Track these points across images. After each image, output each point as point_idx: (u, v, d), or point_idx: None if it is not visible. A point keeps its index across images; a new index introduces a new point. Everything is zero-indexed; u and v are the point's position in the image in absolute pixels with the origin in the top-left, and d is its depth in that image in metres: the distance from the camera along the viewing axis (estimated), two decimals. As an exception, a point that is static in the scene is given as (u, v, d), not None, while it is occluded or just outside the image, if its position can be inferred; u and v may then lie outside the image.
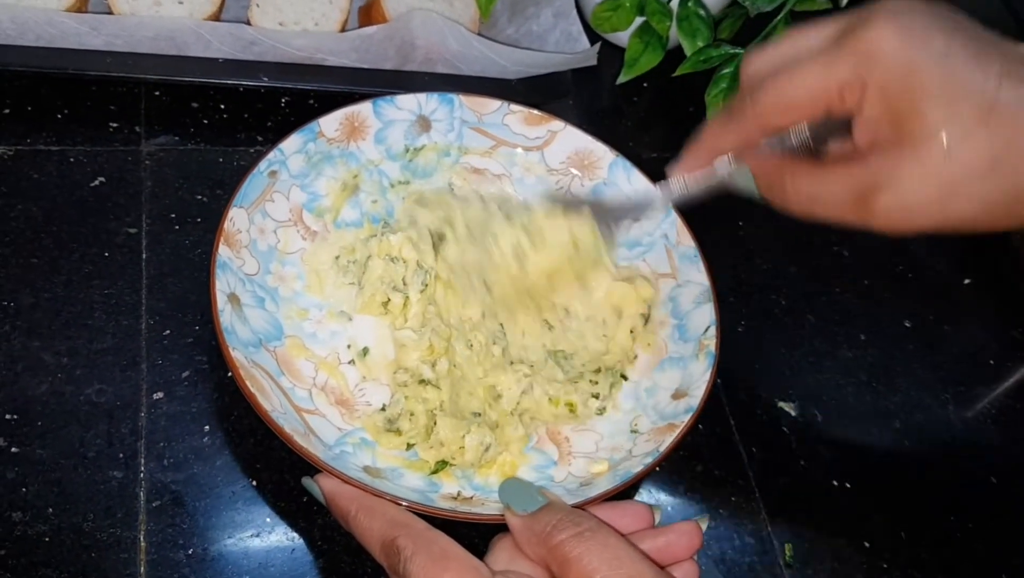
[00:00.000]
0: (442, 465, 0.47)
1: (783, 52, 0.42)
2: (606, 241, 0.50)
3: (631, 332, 0.54)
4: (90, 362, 0.49)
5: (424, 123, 0.57)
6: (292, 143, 0.53)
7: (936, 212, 0.38)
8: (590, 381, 0.52)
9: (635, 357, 0.54)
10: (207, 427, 0.48)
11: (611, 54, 0.70)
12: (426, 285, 0.51)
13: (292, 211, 0.53)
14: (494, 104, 0.58)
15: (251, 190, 0.51)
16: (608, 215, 0.50)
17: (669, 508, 0.51)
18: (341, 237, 0.54)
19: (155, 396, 0.49)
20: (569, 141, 0.58)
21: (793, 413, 0.57)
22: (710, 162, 0.45)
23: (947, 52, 0.37)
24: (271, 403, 0.44)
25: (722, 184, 0.45)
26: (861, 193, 0.39)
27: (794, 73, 0.40)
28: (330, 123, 0.54)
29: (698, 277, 0.53)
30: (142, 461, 0.46)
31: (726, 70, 0.65)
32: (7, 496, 0.44)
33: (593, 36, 0.68)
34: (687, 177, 0.46)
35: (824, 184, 0.41)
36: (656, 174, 0.57)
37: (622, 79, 0.68)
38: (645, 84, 0.71)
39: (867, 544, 0.52)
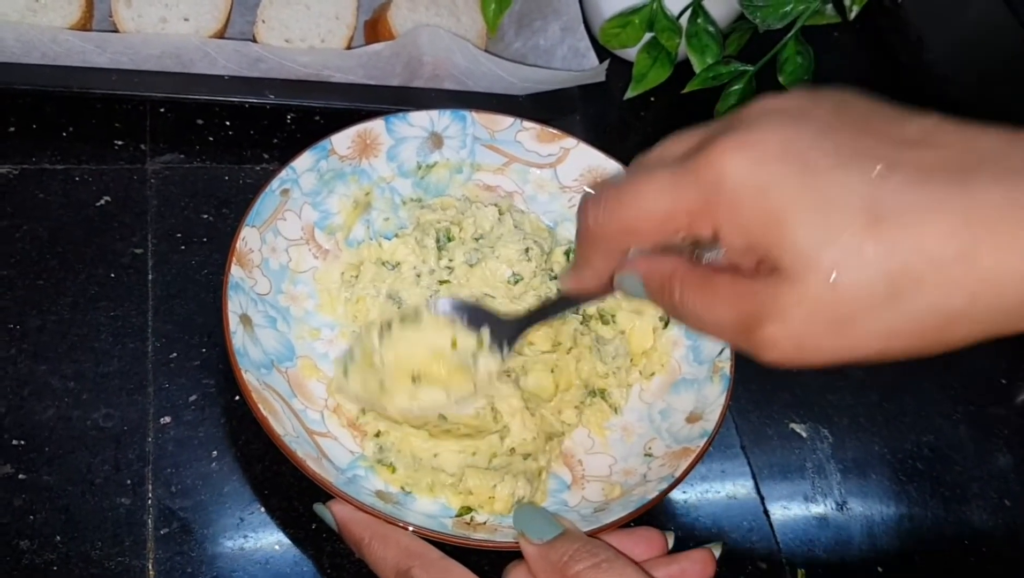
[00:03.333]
0: (467, 510, 0.46)
1: (651, 157, 0.37)
2: (493, 355, 0.46)
3: (653, 331, 0.53)
4: (97, 386, 0.48)
5: (436, 140, 0.57)
6: (304, 161, 0.52)
7: (830, 346, 0.32)
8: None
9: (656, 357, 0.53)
10: (215, 452, 0.48)
11: (619, 68, 0.69)
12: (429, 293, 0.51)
13: (304, 229, 0.53)
14: (507, 121, 0.57)
15: (263, 209, 0.50)
16: (505, 332, 0.46)
17: (679, 532, 0.51)
18: (353, 255, 0.54)
19: (162, 420, 0.48)
20: (582, 158, 0.58)
21: (804, 434, 0.56)
22: (597, 286, 0.40)
23: (813, 160, 0.31)
24: (283, 427, 0.43)
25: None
26: (744, 323, 0.33)
27: (639, 188, 0.35)
28: (342, 140, 0.54)
29: None
30: (150, 487, 0.46)
31: (736, 86, 0.65)
32: (14, 524, 0.43)
33: (600, 50, 0.68)
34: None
35: (709, 306, 0.35)
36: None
37: (630, 94, 0.68)
38: (653, 99, 0.71)
39: (880, 569, 0.52)
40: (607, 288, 0.40)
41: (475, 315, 0.46)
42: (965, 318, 0.31)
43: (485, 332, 0.46)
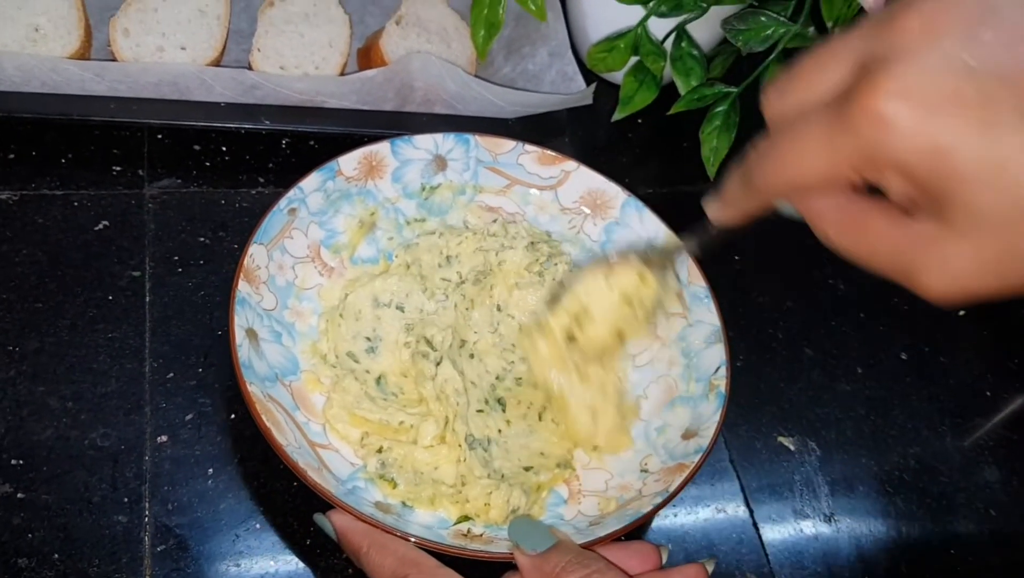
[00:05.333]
0: (464, 518, 0.47)
1: (803, 91, 0.35)
2: (663, 285, 0.48)
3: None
4: (95, 406, 0.49)
5: (440, 162, 0.58)
6: (312, 181, 0.54)
7: (992, 288, 0.32)
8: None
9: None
10: (211, 470, 0.48)
11: (606, 91, 0.71)
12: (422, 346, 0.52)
13: (310, 248, 0.54)
14: (509, 144, 0.59)
15: (271, 227, 0.51)
16: (660, 257, 0.49)
17: (671, 545, 0.51)
18: (358, 273, 0.55)
19: (159, 440, 0.49)
20: (582, 181, 0.59)
21: (792, 447, 0.57)
22: (740, 217, 0.40)
23: (984, 117, 0.29)
24: (285, 438, 0.44)
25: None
26: (904, 268, 0.33)
27: (796, 147, 0.34)
28: (349, 162, 0.55)
29: (709, 317, 0.53)
30: (147, 505, 0.47)
31: (720, 108, 0.66)
32: (13, 542, 0.44)
33: (588, 74, 0.69)
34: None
35: (864, 244, 0.35)
36: (656, 210, 0.58)
37: (617, 116, 0.69)
38: (640, 120, 0.72)
39: (869, 578, 0.53)
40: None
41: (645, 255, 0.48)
42: None
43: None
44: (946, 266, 0.32)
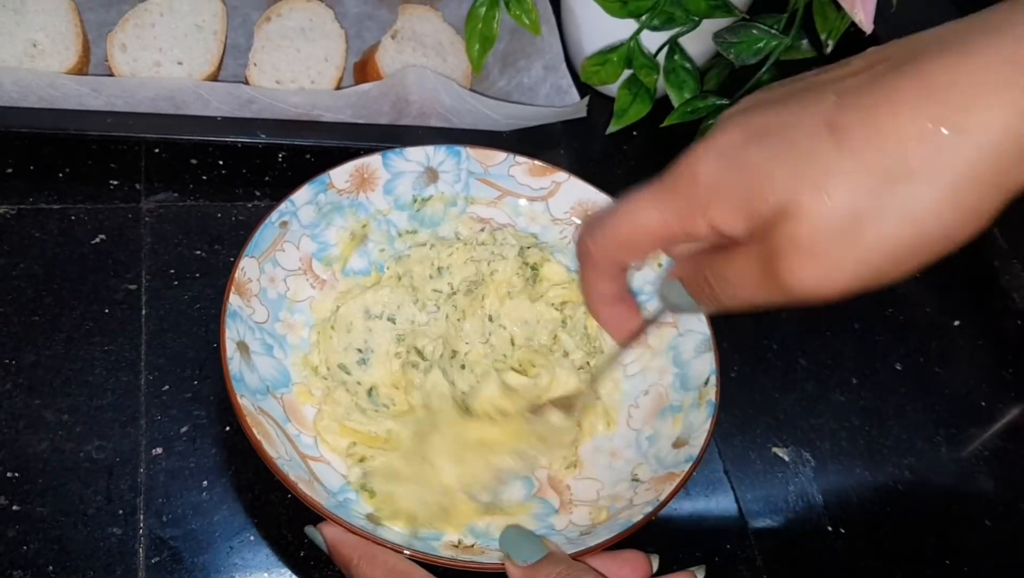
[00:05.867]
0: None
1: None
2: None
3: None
4: (90, 419, 0.49)
5: (432, 174, 0.58)
6: (303, 194, 0.54)
7: (851, 263, 0.32)
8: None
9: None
10: (205, 482, 0.49)
11: (601, 104, 0.71)
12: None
13: (302, 260, 0.54)
14: (500, 156, 0.59)
15: (262, 240, 0.52)
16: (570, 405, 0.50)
17: (664, 556, 0.51)
18: (349, 285, 0.56)
19: (154, 452, 0.49)
20: (573, 192, 0.59)
21: (787, 458, 0.57)
22: (629, 317, 0.44)
23: (765, 124, 0.33)
24: (276, 451, 0.44)
25: (665, 309, 0.43)
26: (766, 268, 0.34)
27: (627, 208, 0.38)
28: (340, 175, 0.56)
29: (699, 326, 0.54)
30: (141, 517, 0.47)
31: (713, 120, 0.66)
32: (8, 554, 0.44)
33: (582, 87, 0.70)
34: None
35: (734, 273, 0.36)
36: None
37: (612, 129, 0.70)
38: (635, 133, 0.72)
39: (863, 589, 0.53)
40: (642, 324, 0.44)
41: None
42: (963, 192, 0.30)
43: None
44: (797, 247, 0.32)
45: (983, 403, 0.64)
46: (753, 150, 0.33)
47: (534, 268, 0.57)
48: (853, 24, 0.63)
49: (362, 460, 0.49)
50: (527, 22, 0.69)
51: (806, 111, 0.32)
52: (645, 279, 0.57)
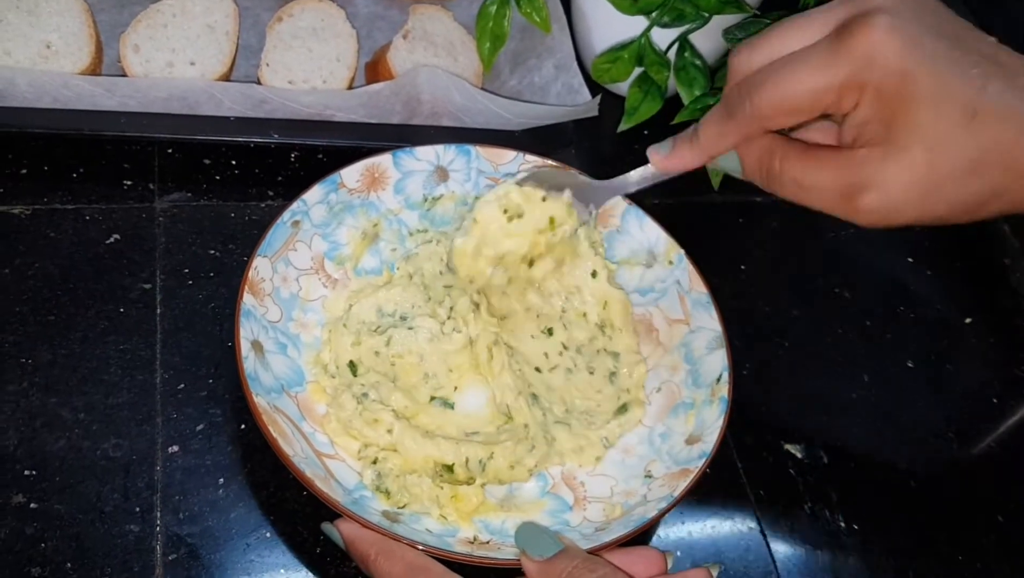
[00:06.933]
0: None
1: (777, 47, 0.42)
2: (583, 220, 0.51)
3: (593, 275, 0.55)
4: (106, 417, 0.50)
5: (442, 173, 0.59)
6: (314, 194, 0.54)
7: (915, 211, 0.40)
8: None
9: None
10: (221, 479, 0.49)
11: (612, 103, 0.71)
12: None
13: (314, 260, 0.54)
14: (510, 155, 0.59)
15: (275, 240, 0.52)
16: (589, 196, 0.51)
17: (679, 552, 0.52)
18: (361, 284, 0.56)
19: (170, 450, 0.49)
20: None
21: (799, 455, 0.57)
22: (706, 161, 0.45)
23: (935, 56, 0.38)
24: (292, 448, 0.45)
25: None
26: (848, 190, 0.40)
27: (793, 73, 0.40)
28: (351, 174, 0.56)
29: (711, 323, 0.54)
30: (158, 514, 0.47)
31: (724, 118, 0.66)
32: (27, 551, 0.44)
33: (593, 86, 0.70)
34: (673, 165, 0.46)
35: (813, 174, 0.41)
36: (662, 221, 0.58)
37: (623, 127, 0.70)
38: (646, 132, 0.72)
39: (877, 586, 0.53)
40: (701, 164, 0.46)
41: (556, 179, 0.51)
42: (1002, 196, 0.40)
43: (567, 193, 0.50)
44: (883, 181, 0.39)
45: (995, 400, 0.64)
46: (924, 74, 0.38)
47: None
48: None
49: (375, 462, 0.49)
50: (537, 20, 0.69)
51: (960, 78, 0.38)
52: (657, 277, 0.57)
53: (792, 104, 0.40)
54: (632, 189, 0.50)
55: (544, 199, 0.50)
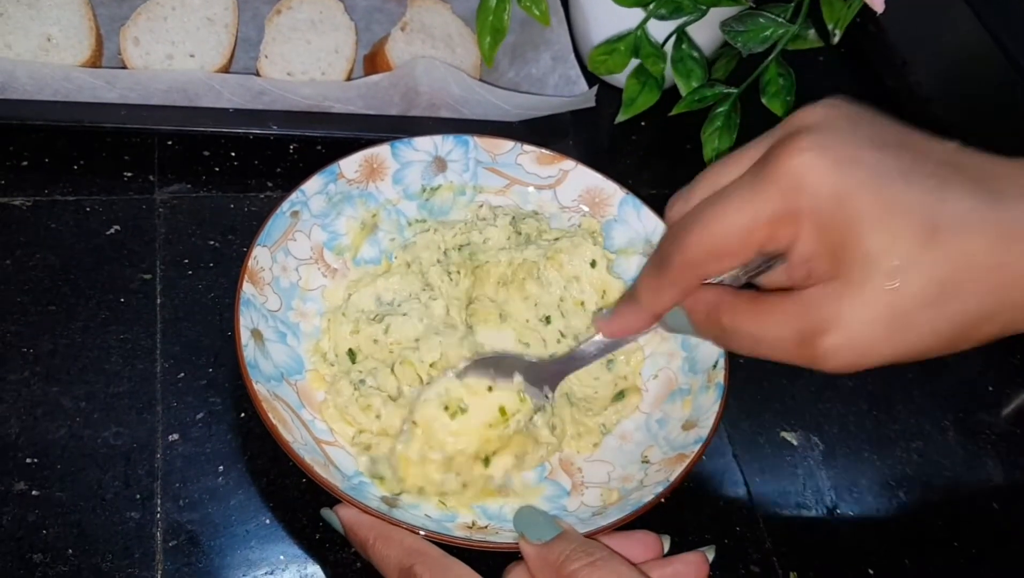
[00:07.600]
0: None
1: (709, 189, 0.38)
2: (539, 406, 0.48)
3: (592, 264, 0.56)
4: (107, 406, 0.50)
5: (440, 164, 0.59)
6: (313, 184, 0.55)
7: (886, 348, 0.35)
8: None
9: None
10: (221, 467, 0.49)
11: (609, 94, 0.71)
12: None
13: (313, 249, 0.55)
14: (507, 145, 0.59)
15: (274, 230, 0.52)
16: (543, 378, 0.49)
17: (675, 537, 0.52)
18: (360, 274, 0.56)
19: (170, 438, 0.50)
20: (580, 179, 0.60)
21: (795, 442, 0.58)
22: (652, 322, 0.43)
23: (878, 170, 0.34)
24: (292, 435, 0.45)
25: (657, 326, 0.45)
26: (804, 335, 0.35)
27: (717, 213, 0.36)
28: (350, 165, 0.56)
29: None
30: (158, 502, 0.47)
31: (721, 108, 0.67)
32: (28, 538, 0.45)
33: (591, 78, 0.70)
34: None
35: (764, 325, 0.37)
36: (658, 210, 0.58)
37: (620, 118, 0.70)
38: (643, 123, 0.73)
39: (871, 571, 0.53)
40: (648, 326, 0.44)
41: (503, 365, 0.48)
42: (993, 318, 0.35)
43: (518, 379, 0.48)
44: (841, 320, 0.34)
45: (991, 388, 0.64)
46: (863, 192, 0.34)
47: (528, 236, 0.58)
48: (860, 14, 0.63)
49: (368, 448, 0.49)
50: (537, 13, 0.69)
51: (913, 190, 0.34)
52: None
53: (720, 247, 0.36)
54: (589, 363, 0.49)
55: (490, 389, 0.47)
